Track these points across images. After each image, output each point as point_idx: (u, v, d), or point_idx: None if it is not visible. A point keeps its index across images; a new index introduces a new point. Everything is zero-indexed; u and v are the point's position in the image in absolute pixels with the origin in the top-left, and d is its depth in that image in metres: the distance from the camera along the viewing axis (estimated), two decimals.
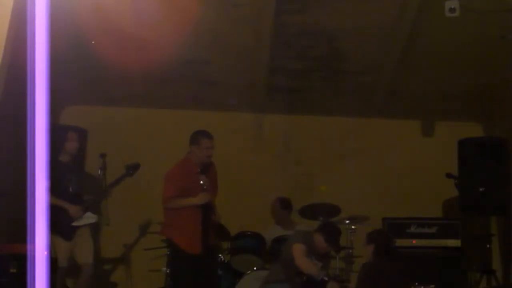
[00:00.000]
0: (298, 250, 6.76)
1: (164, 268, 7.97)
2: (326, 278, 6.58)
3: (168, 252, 7.68)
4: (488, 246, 8.25)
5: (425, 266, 7.95)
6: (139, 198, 8.53)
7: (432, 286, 6.91)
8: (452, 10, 6.88)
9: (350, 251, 8.25)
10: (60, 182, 7.14)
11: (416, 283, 6.86)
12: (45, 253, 2.04)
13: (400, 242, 8.16)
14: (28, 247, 2.05)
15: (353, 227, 8.19)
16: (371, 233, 6.85)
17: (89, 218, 7.37)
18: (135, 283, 9.04)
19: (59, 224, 7.12)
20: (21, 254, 6.45)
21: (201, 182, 6.93)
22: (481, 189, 8.09)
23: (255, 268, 7.71)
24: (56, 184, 7.02)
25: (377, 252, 6.57)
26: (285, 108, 9.48)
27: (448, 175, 8.26)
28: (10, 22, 5.71)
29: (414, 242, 8.22)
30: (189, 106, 9.33)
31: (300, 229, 7.95)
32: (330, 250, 7.11)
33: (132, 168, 7.49)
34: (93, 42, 7.52)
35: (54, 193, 6.94)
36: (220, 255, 7.85)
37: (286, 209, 8.66)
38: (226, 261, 7.95)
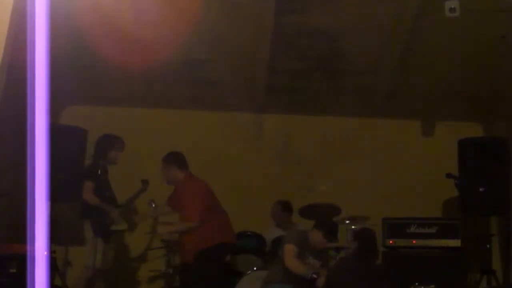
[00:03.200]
0: (288, 251, 6.74)
1: (164, 268, 7.98)
2: (315, 276, 6.56)
3: None
4: (488, 246, 8.24)
5: (425, 266, 7.94)
6: (140, 198, 8.52)
7: (432, 286, 6.92)
8: (452, 10, 6.88)
9: (350, 251, 8.24)
10: (100, 186, 7.41)
11: (416, 283, 6.85)
12: (45, 253, 2.04)
13: (400, 242, 8.17)
14: (28, 247, 2.05)
15: (353, 227, 8.18)
16: (358, 231, 6.85)
17: (123, 224, 7.50)
18: (136, 283, 9.05)
19: (101, 226, 7.33)
20: (21, 254, 6.45)
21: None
22: (481, 189, 8.09)
23: (255, 268, 7.71)
24: (97, 188, 7.35)
25: (358, 251, 6.56)
26: (285, 108, 9.48)
27: (448, 175, 8.25)
28: (10, 22, 5.71)
29: (414, 242, 8.21)
30: (189, 106, 9.33)
31: (297, 229, 7.95)
32: (329, 245, 7.11)
33: (145, 184, 7.72)
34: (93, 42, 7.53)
35: (97, 195, 7.19)
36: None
37: (287, 211, 8.66)
38: (226, 261, 7.94)
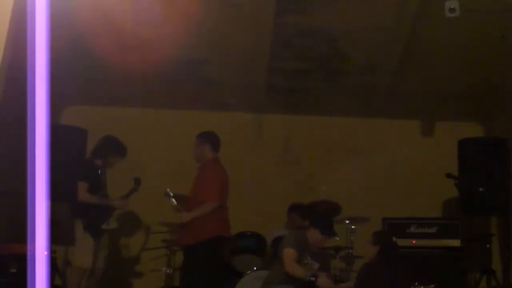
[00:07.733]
0: (287, 256, 6.73)
1: (164, 268, 7.98)
2: (313, 279, 6.57)
3: None
4: (488, 246, 8.24)
5: (425, 266, 7.95)
6: (140, 198, 8.52)
7: (432, 286, 6.91)
8: (452, 10, 6.88)
9: (350, 251, 8.25)
10: (94, 185, 7.32)
11: (416, 283, 6.86)
12: (45, 253, 2.04)
13: (400, 242, 8.16)
14: (28, 247, 2.05)
15: (353, 227, 8.19)
16: (377, 233, 6.85)
17: (114, 223, 7.47)
18: (135, 283, 9.05)
19: (93, 225, 7.25)
20: (21, 254, 6.46)
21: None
22: (481, 189, 8.09)
23: (255, 268, 7.71)
24: (91, 187, 7.26)
25: (382, 254, 6.57)
26: (285, 108, 9.48)
27: (448, 175, 8.26)
28: (10, 22, 5.71)
29: (414, 242, 8.22)
30: (189, 106, 9.33)
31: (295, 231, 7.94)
32: (328, 241, 7.11)
33: (137, 182, 7.62)
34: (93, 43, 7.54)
35: (92, 193, 7.15)
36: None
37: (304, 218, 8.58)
38: (226, 261, 7.95)
